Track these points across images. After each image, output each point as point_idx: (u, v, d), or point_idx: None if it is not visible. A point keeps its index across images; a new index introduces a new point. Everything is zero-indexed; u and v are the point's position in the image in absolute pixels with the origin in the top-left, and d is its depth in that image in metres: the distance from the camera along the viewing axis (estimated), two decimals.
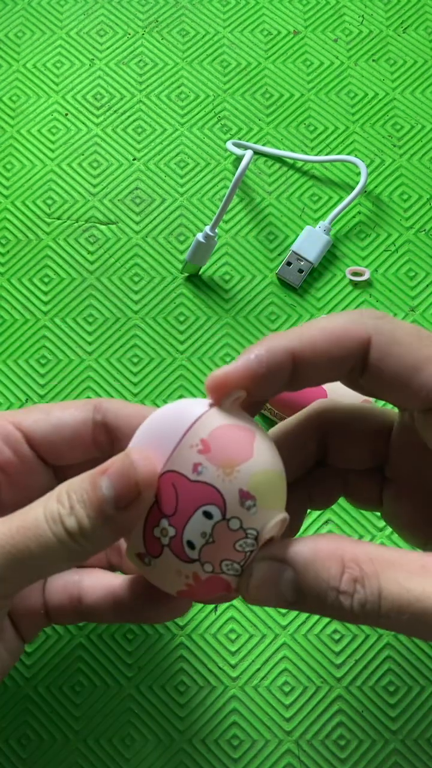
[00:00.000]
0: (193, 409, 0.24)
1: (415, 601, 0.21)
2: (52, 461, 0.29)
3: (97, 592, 0.30)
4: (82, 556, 0.24)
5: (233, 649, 0.39)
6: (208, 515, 0.23)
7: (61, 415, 0.28)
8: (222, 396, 0.24)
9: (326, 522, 0.41)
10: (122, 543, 0.32)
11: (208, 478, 0.23)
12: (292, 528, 0.29)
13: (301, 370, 0.24)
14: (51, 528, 0.23)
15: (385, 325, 0.23)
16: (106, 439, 0.28)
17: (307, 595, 0.22)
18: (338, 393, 0.41)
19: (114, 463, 0.24)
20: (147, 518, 0.24)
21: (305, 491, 0.29)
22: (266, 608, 0.40)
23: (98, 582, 0.30)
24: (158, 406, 0.26)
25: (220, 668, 0.39)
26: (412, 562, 0.22)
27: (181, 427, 0.24)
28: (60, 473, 0.30)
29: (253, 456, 0.23)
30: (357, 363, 0.24)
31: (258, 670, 0.39)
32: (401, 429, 0.27)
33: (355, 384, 0.25)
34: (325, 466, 0.29)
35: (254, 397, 0.24)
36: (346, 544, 0.22)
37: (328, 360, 0.24)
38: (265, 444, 0.24)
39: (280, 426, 0.28)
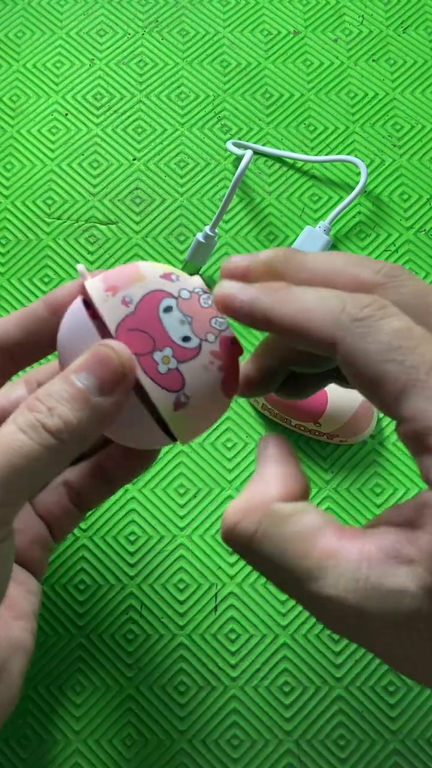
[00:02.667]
0: (76, 301, 0.26)
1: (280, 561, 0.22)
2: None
3: (85, 477, 0.31)
4: (69, 455, 0.24)
5: (233, 649, 0.39)
6: (168, 309, 0.25)
7: None
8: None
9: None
10: None
11: (138, 294, 0.25)
12: (307, 392, 0.29)
13: (275, 332, 0.24)
14: (31, 436, 0.23)
15: (356, 330, 0.22)
16: (8, 363, 0.28)
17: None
18: (338, 393, 0.41)
19: (85, 356, 0.24)
20: (147, 373, 0.25)
21: (327, 375, 0.28)
22: (266, 608, 0.40)
23: (82, 470, 0.31)
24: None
25: (220, 668, 0.39)
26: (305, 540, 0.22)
27: (83, 314, 0.26)
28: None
29: (144, 262, 0.26)
30: (329, 352, 0.23)
31: (258, 670, 0.39)
32: None
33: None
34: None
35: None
36: (268, 499, 0.23)
37: (296, 340, 0.23)
38: (141, 263, 0.27)
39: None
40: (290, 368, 0.27)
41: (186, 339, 0.25)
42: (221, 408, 0.26)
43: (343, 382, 0.28)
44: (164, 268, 0.26)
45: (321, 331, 0.22)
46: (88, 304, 0.26)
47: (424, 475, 0.21)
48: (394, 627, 0.20)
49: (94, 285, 0.26)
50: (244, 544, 0.22)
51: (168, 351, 0.25)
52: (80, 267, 0.27)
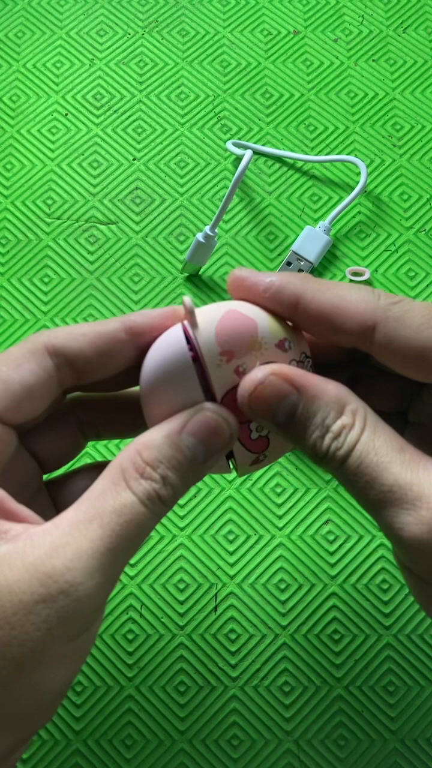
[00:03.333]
0: (178, 340, 0.24)
1: (375, 477, 0.22)
2: (17, 421, 0.26)
3: (108, 408, 0.29)
4: (169, 509, 0.24)
5: (233, 649, 0.39)
6: None
7: (21, 378, 0.25)
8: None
9: (326, 522, 0.41)
10: None
11: (251, 367, 0.24)
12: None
13: (300, 316, 0.25)
14: (150, 508, 0.23)
15: (396, 310, 0.24)
16: (71, 376, 0.26)
17: (296, 423, 0.24)
18: None
19: (194, 419, 0.24)
20: (242, 442, 0.25)
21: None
22: (266, 608, 0.40)
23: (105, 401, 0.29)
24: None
25: (220, 668, 0.39)
26: (394, 444, 0.23)
27: (184, 356, 0.24)
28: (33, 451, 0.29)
29: (257, 322, 0.25)
30: (365, 339, 0.24)
31: (258, 670, 0.39)
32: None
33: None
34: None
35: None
36: (353, 397, 0.24)
37: (325, 326, 0.24)
38: (254, 308, 0.25)
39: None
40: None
41: None
42: (283, 455, 0.28)
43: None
44: (278, 331, 0.25)
45: (359, 316, 0.24)
46: (187, 338, 0.24)
47: None
48: None
49: (209, 344, 0.24)
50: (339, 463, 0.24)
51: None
52: (188, 301, 0.24)
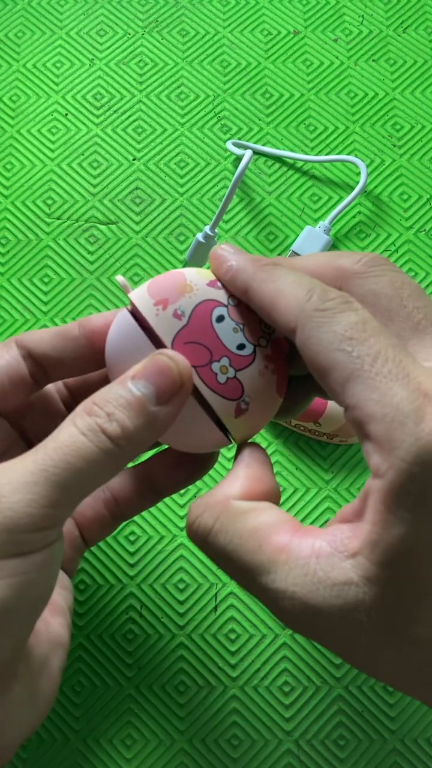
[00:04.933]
0: (123, 313, 0.27)
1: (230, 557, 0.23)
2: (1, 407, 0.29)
3: (128, 486, 0.31)
4: (124, 461, 0.24)
5: (233, 649, 0.39)
6: (220, 319, 0.26)
7: None
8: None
9: (326, 522, 0.41)
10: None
11: (189, 306, 0.26)
12: (297, 411, 0.29)
13: (252, 306, 0.26)
14: (91, 439, 0.23)
15: (314, 318, 0.23)
16: (39, 371, 0.29)
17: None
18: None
19: (144, 365, 0.25)
20: (206, 385, 0.26)
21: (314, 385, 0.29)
22: (266, 608, 0.40)
23: (125, 478, 0.31)
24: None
25: (220, 668, 0.39)
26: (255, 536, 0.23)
27: (132, 325, 0.26)
28: (16, 424, 0.31)
29: (186, 270, 0.27)
30: (291, 335, 0.24)
31: (258, 670, 0.39)
32: None
33: None
34: None
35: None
36: (223, 500, 0.24)
37: (267, 318, 0.25)
38: (185, 269, 0.27)
39: None
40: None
41: (241, 347, 0.26)
42: (275, 407, 0.27)
43: (325, 395, 0.29)
44: (207, 274, 0.26)
45: (286, 315, 0.24)
46: (135, 315, 0.26)
47: (367, 461, 0.21)
48: (343, 620, 0.21)
49: (143, 300, 0.26)
50: (202, 538, 0.24)
51: (225, 361, 0.26)
52: (120, 279, 0.27)
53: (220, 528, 0.23)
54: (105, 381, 0.31)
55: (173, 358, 0.25)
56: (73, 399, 0.32)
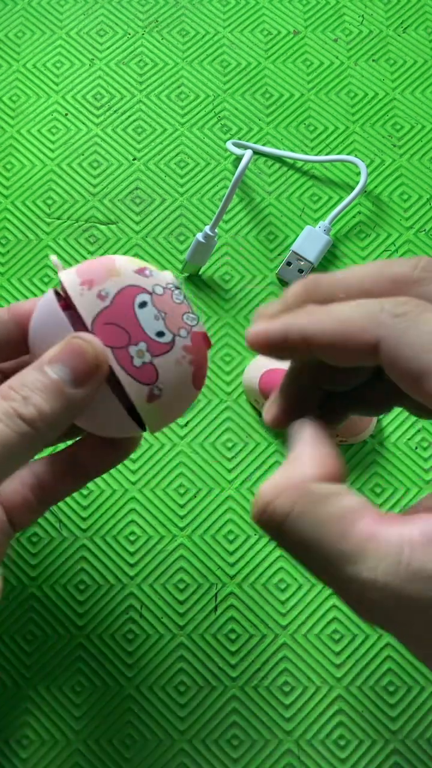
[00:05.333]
0: (48, 294, 0.27)
1: (302, 551, 0.22)
2: None
3: (53, 470, 0.31)
4: (42, 443, 0.25)
5: (233, 649, 0.39)
6: (143, 305, 0.26)
7: None
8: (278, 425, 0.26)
9: None
10: None
11: (113, 289, 0.26)
12: (332, 424, 0.29)
13: (314, 351, 0.24)
14: (7, 424, 0.24)
15: (397, 326, 0.22)
16: None
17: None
18: None
19: (59, 348, 0.25)
20: (121, 366, 0.26)
21: (356, 397, 0.28)
22: (266, 608, 0.40)
23: (50, 462, 0.31)
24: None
25: (220, 668, 0.39)
26: (338, 520, 0.22)
27: (55, 305, 0.26)
28: None
29: (119, 256, 0.27)
30: (371, 359, 0.23)
31: (258, 670, 0.39)
32: None
33: None
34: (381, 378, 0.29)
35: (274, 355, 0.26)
36: (299, 481, 0.23)
37: (337, 352, 0.24)
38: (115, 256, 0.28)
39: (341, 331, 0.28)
40: (321, 387, 0.27)
41: (160, 334, 0.26)
42: (190, 399, 0.27)
43: (370, 405, 0.28)
44: (138, 263, 0.27)
45: (363, 334, 0.22)
46: (61, 296, 0.27)
47: None
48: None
49: (70, 278, 0.26)
50: (277, 525, 0.22)
51: (143, 345, 0.26)
52: (54, 259, 0.28)
53: (299, 514, 0.22)
54: None
55: (90, 342, 0.25)
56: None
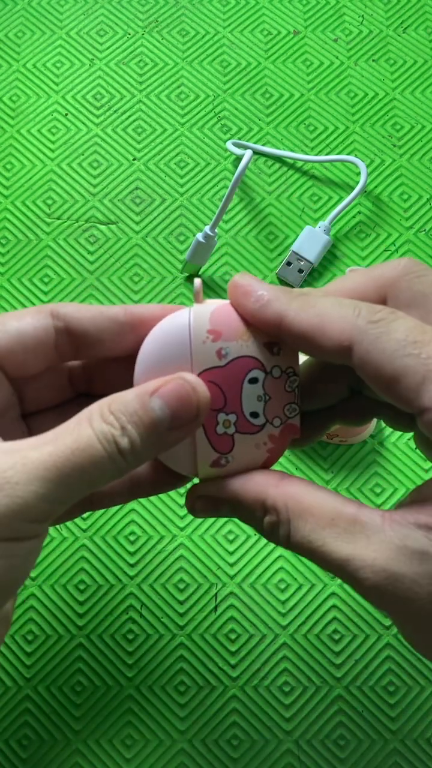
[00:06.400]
0: (179, 318, 0.26)
1: (316, 550, 0.23)
2: (12, 373, 0.29)
3: (147, 469, 0.31)
4: (126, 472, 0.25)
5: (233, 649, 0.39)
6: (253, 381, 0.25)
7: (19, 325, 0.27)
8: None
9: None
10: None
11: (235, 353, 0.25)
12: (312, 438, 0.30)
13: (285, 337, 0.25)
14: (105, 447, 0.24)
15: (371, 331, 0.23)
16: (70, 346, 0.28)
17: (243, 520, 0.26)
18: None
19: (168, 384, 0.25)
20: (204, 428, 0.26)
21: (335, 412, 0.29)
22: (266, 608, 0.40)
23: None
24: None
25: (220, 668, 0.39)
26: (325, 514, 0.23)
27: (183, 335, 0.26)
28: (16, 384, 0.30)
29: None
30: (340, 359, 0.24)
31: (258, 670, 0.39)
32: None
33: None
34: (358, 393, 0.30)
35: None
36: (271, 486, 0.25)
37: (308, 345, 0.25)
38: None
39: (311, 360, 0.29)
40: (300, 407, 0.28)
41: (254, 415, 0.26)
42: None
43: (349, 419, 0.29)
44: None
45: (338, 335, 0.23)
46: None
47: None
48: (420, 589, 0.21)
49: (200, 320, 0.25)
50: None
51: (233, 417, 0.26)
52: (197, 284, 0.26)
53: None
54: (120, 366, 0.30)
55: (196, 390, 0.25)
56: (85, 376, 0.31)
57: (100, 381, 0.31)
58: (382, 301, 0.25)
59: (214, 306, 0.26)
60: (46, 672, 0.39)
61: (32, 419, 0.31)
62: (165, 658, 0.39)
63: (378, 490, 0.42)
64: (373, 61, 0.51)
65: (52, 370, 0.31)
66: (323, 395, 0.28)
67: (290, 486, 0.25)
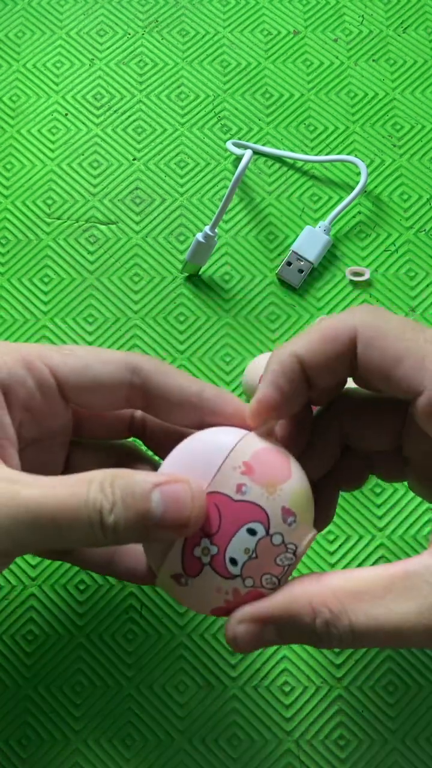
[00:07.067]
0: (230, 436, 0.26)
1: (384, 625, 0.22)
2: (79, 408, 0.30)
3: (130, 559, 0.31)
4: (100, 545, 0.25)
5: None
6: (252, 532, 0.25)
7: (101, 370, 0.28)
8: (259, 423, 0.26)
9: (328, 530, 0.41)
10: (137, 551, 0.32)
11: (252, 497, 0.25)
12: (327, 516, 0.30)
13: (310, 373, 0.26)
14: (88, 514, 0.24)
15: (371, 318, 0.24)
16: (141, 400, 0.29)
17: (290, 639, 0.24)
18: None
19: (173, 483, 0.24)
20: (186, 540, 0.25)
21: (333, 480, 0.30)
22: None
23: (133, 551, 0.32)
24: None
25: (220, 668, 0.39)
26: (376, 587, 0.23)
27: (221, 451, 0.25)
28: (75, 411, 0.31)
29: (292, 476, 0.25)
30: (352, 358, 0.25)
31: (258, 670, 0.39)
32: (411, 416, 0.28)
33: (362, 381, 0.27)
34: (350, 450, 0.30)
35: (286, 411, 0.26)
36: (313, 587, 0.24)
37: (326, 359, 0.25)
38: (297, 465, 0.26)
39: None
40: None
41: (233, 562, 0.25)
42: (199, 610, 0.26)
43: (346, 481, 0.31)
44: (299, 502, 0.25)
45: (342, 329, 0.25)
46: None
47: None
48: None
49: (247, 447, 0.25)
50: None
51: (214, 549, 0.25)
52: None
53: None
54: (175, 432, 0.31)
55: (195, 502, 0.24)
56: (143, 425, 0.32)
57: (153, 437, 0.32)
58: (353, 338, 0.26)
59: (260, 446, 0.25)
60: (46, 672, 0.39)
61: (77, 451, 0.32)
62: (165, 658, 0.39)
63: (378, 490, 0.42)
64: (373, 61, 0.51)
65: (116, 414, 0.32)
66: (321, 454, 0.29)
67: (331, 578, 0.24)
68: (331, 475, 0.30)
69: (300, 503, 0.25)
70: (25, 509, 0.24)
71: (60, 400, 0.29)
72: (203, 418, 0.28)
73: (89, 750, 0.38)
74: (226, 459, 0.25)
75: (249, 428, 0.27)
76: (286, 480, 0.25)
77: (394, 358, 0.23)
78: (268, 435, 0.27)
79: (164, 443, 0.30)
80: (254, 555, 0.25)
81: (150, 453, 0.34)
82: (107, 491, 0.24)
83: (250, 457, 0.25)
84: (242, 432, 0.26)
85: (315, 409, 0.29)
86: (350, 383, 0.41)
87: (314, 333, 0.25)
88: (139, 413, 0.32)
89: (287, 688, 0.38)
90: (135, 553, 0.31)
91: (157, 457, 0.34)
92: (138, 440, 0.33)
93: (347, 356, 0.25)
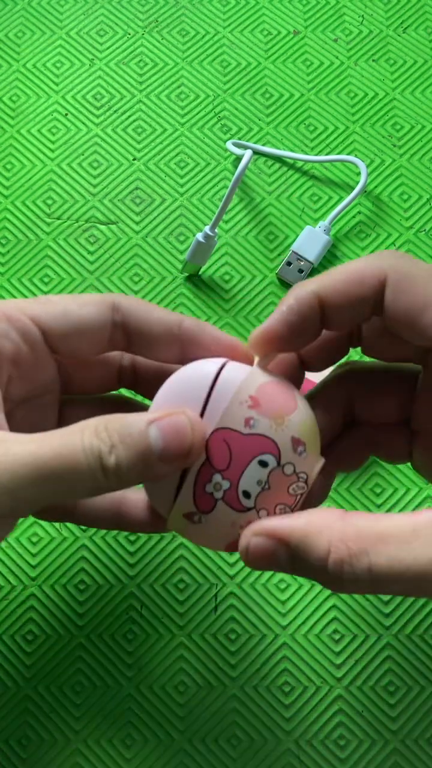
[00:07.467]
0: (214, 365, 0.26)
1: (407, 570, 0.22)
2: (64, 357, 0.29)
3: (139, 507, 0.30)
4: (105, 490, 0.24)
5: (233, 649, 0.39)
6: (263, 464, 0.25)
7: (80, 313, 0.28)
8: (264, 353, 0.26)
9: None
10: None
11: (261, 429, 0.25)
12: (322, 493, 0.29)
13: (327, 312, 0.25)
14: (87, 460, 0.23)
15: (402, 263, 0.24)
16: (123, 340, 0.29)
17: (301, 568, 0.23)
18: None
19: (169, 416, 0.24)
20: (197, 477, 0.25)
21: (334, 456, 0.29)
22: (266, 608, 0.40)
23: (139, 500, 0.31)
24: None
25: (220, 668, 0.39)
26: (403, 532, 0.22)
27: (206, 378, 0.25)
28: (62, 366, 0.31)
29: (298, 407, 0.25)
30: (376, 301, 0.25)
31: (258, 670, 0.39)
32: (424, 381, 0.28)
33: (371, 351, 0.27)
34: (353, 426, 0.30)
35: (293, 347, 0.26)
36: (336, 521, 0.23)
37: (348, 300, 0.25)
38: (301, 397, 0.26)
39: (312, 390, 0.29)
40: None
41: (246, 495, 0.25)
42: (213, 547, 0.26)
43: (346, 461, 0.30)
44: (307, 431, 0.25)
45: (371, 271, 0.24)
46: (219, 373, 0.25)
47: None
48: None
49: (253, 381, 0.25)
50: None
51: (226, 484, 0.25)
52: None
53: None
54: (157, 371, 0.31)
55: (194, 428, 0.24)
56: (133, 373, 0.31)
57: (144, 382, 0.31)
58: (382, 280, 0.25)
59: (268, 378, 0.25)
60: (46, 672, 0.39)
61: (69, 408, 0.31)
62: (165, 658, 0.39)
63: (378, 490, 0.42)
64: (373, 61, 0.51)
65: (103, 362, 0.31)
66: (323, 426, 0.28)
67: (358, 519, 0.23)
68: (329, 455, 0.29)
69: (308, 433, 0.25)
70: (22, 463, 0.23)
71: (46, 351, 0.28)
72: (184, 349, 0.28)
73: (89, 750, 0.38)
74: (231, 397, 0.25)
75: (233, 359, 0.27)
76: (293, 411, 0.25)
77: (423, 304, 0.23)
78: (269, 370, 0.27)
79: (157, 387, 0.30)
80: (267, 486, 0.25)
81: (147, 402, 0.34)
82: (102, 435, 0.24)
83: (255, 391, 0.25)
84: (219, 360, 0.26)
85: (309, 376, 0.29)
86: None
87: (339, 274, 0.25)
88: (127, 361, 0.31)
89: (287, 688, 0.38)
90: (141, 502, 0.31)
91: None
92: (131, 391, 0.33)
93: (371, 299, 0.24)
